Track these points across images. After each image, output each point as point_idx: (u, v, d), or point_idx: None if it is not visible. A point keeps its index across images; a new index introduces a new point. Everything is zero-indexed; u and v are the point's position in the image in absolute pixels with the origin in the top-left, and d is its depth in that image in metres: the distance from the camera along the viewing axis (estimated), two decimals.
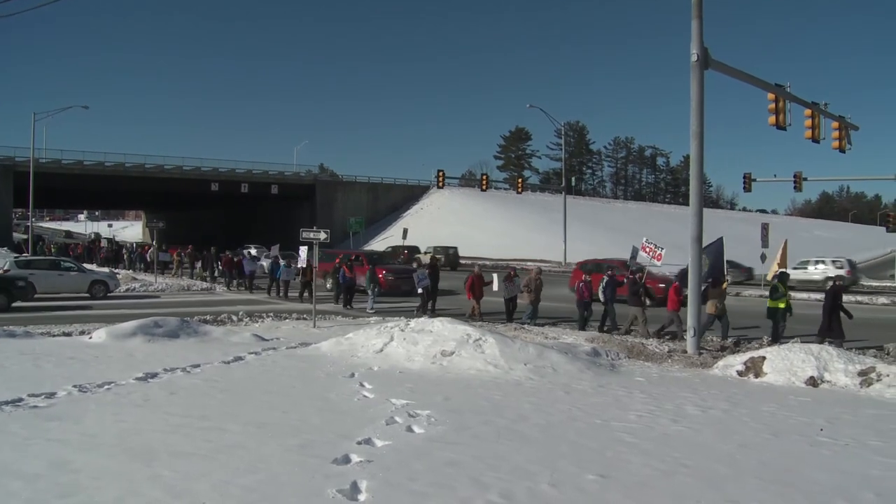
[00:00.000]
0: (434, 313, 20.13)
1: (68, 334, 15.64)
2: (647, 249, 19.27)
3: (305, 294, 24.96)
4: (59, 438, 6.74)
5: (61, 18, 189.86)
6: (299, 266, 25.27)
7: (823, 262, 35.57)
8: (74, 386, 9.25)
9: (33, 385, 9.20)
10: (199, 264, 37.62)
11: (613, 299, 18.22)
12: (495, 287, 20.28)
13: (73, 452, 6.26)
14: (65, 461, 5.98)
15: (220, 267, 32.69)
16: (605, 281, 18.42)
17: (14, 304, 21.69)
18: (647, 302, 17.77)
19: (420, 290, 21.76)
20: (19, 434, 6.88)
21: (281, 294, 27.10)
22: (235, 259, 31.37)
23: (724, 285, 17.09)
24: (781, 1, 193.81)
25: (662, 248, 18.98)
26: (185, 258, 39.20)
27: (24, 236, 57.02)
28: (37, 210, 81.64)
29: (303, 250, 22.61)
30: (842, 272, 32.99)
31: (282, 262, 28.73)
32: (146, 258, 42.17)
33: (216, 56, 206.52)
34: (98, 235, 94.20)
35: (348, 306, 23.38)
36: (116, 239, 78.28)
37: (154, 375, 10.29)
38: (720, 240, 17.66)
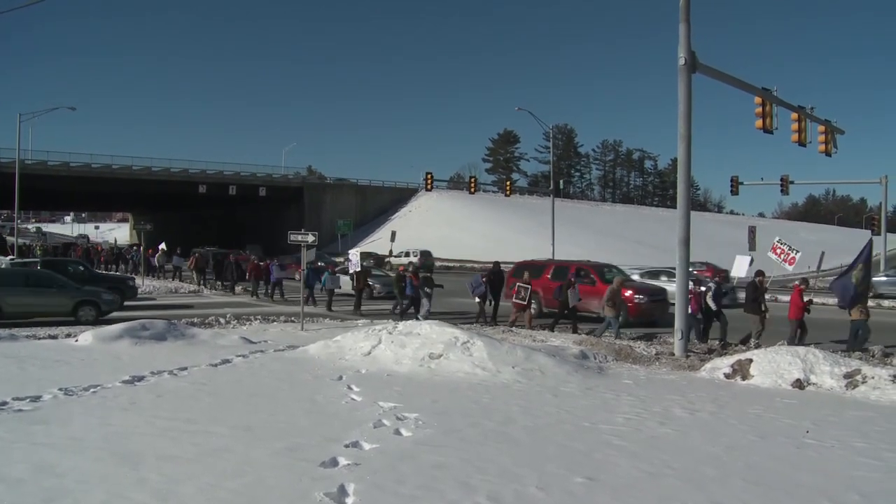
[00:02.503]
0: (495, 323, 19.34)
1: (54, 337, 15.53)
2: (779, 251, 17.09)
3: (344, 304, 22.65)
4: (45, 442, 6.69)
5: (48, 20, 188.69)
6: (350, 272, 22.32)
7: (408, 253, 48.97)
8: (60, 389, 9.20)
9: (18, 388, 9.14)
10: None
11: (722, 307, 16.92)
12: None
13: (58, 456, 6.22)
14: (50, 465, 5.94)
15: (248, 275, 28.92)
16: (713, 289, 16.87)
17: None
18: (766, 311, 16.05)
19: (477, 299, 20.12)
20: (3, 438, 6.83)
21: (325, 305, 23.71)
22: (262, 265, 28.30)
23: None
24: (769, 4, 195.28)
25: (798, 252, 16.66)
26: (200, 263, 34.00)
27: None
28: (22, 212, 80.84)
29: (353, 254, 20.70)
30: (415, 259, 42.89)
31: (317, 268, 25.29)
32: (151, 262, 38.07)
33: (204, 58, 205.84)
34: (39, 229, 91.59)
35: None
36: (110, 240, 76.59)
37: (141, 378, 10.24)
38: (869, 241, 16.69)
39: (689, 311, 16.00)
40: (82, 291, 20.51)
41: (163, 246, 37.19)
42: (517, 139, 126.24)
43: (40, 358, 11.90)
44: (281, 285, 27.29)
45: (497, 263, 21.63)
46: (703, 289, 16.77)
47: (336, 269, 24.69)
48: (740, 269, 18.30)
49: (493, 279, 20.45)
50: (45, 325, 17.67)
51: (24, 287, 19.42)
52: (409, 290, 21.04)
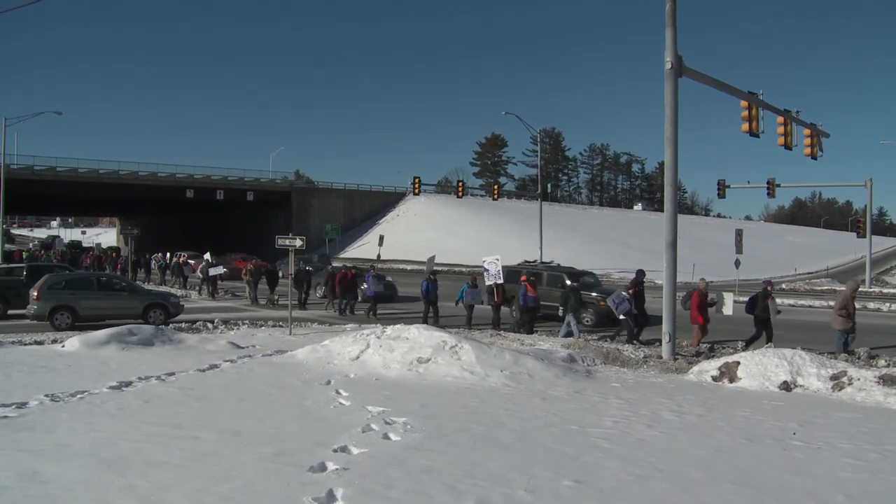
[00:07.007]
0: (639, 341, 16.65)
1: (40, 343, 15.40)
2: None
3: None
4: (30, 449, 6.64)
5: (36, 25, 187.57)
6: (488, 284, 19.41)
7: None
8: (46, 395, 9.14)
9: (3, 395, 9.08)
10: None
11: None
12: (727, 310, 17.19)
13: (44, 463, 6.17)
14: (35, 472, 5.89)
15: (334, 287, 23.59)
16: None
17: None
18: None
19: (621, 317, 16.90)
20: None
21: (463, 325, 19.37)
22: (349, 275, 23.43)
23: None
24: (756, 8, 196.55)
25: None
26: (249, 276, 28.11)
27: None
28: (8, 217, 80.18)
29: (491, 262, 18.57)
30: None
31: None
32: (186, 272, 34.31)
33: (192, 62, 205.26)
34: (73, 243, 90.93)
35: (523, 331, 18.26)
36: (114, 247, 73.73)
37: (128, 384, 10.19)
38: None
39: None
40: (152, 294, 20.88)
41: (207, 256, 33.61)
42: (505, 143, 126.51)
43: (26, 364, 11.81)
44: (378, 301, 22.89)
45: (641, 271, 17.95)
46: None
47: (477, 281, 20.43)
48: None
49: (638, 290, 17.26)
50: (35, 330, 17.54)
51: (97, 291, 19.75)
52: (521, 300, 18.41)
